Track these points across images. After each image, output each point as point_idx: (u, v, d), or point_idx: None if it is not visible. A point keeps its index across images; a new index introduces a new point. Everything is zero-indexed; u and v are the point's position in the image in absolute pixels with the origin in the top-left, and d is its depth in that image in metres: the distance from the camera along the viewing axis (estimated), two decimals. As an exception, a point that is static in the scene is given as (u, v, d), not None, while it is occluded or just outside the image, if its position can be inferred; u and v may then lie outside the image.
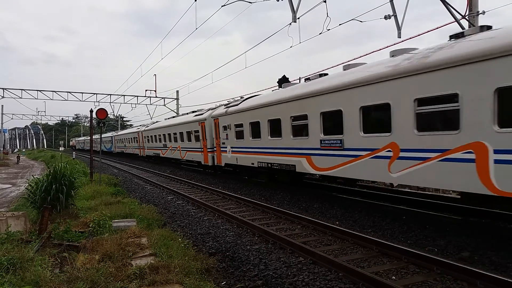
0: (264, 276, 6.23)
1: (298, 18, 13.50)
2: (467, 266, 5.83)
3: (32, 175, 14.69)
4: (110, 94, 43.58)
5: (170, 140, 28.46)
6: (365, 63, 10.79)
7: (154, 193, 16.17)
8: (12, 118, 67.26)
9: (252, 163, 15.72)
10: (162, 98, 44.38)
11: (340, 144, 10.48)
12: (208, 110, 22.13)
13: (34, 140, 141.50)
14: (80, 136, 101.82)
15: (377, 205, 11.18)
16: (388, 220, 9.37)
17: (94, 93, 42.53)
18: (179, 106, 44.21)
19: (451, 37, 8.34)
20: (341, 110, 10.34)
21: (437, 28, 13.68)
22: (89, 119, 21.90)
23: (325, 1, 13.22)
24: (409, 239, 7.95)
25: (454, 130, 7.40)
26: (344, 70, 11.18)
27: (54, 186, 10.76)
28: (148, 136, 35.33)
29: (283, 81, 17.07)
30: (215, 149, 19.92)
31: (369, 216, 9.92)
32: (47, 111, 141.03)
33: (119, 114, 68.92)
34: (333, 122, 10.83)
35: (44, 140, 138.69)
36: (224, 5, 15.25)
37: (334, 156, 10.79)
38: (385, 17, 13.38)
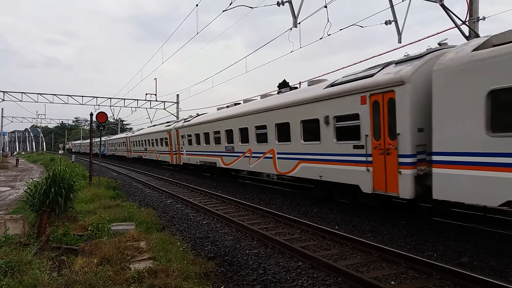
0: (263, 280, 6.22)
1: (299, 23, 13.54)
2: (466, 271, 5.82)
3: (31, 178, 14.67)
4: (111, 98, 43.50)
5: (149, 145, 34.82)
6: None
7: (153, 197, 16.14)
8: (12, 121, 66.95)
9: (197, 162, 22.72)
10: (162, 101, 44.43)
11: (232, 149, 17.66)
12: (175, 122, 29.05)
13: (34, 143, 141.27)
14: (80, 140, 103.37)
15: (376, 209, 11.16)
16: (387, 225, 9.36)
17: (95, 97, 42.44)
18: (179, 109, 44.25)
19: (279, 91, 15.86)
20: (231, 129, 17.64)
21: (438, 33, 13.73)
22: (89, 122, 21.92)
23: (326, 7, 13.28)
24: (408, 244, 7.94)
25: (266, 142, 14.60)
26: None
27: (53, 189, 10.72)
28: (133, 141, 41.51)
29: (283, 85, 17.26)
30: (177, 152, 26.27)
31: (369, 221, 9.91)
32: (47, 114, 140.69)
33: (119, 118, 69.04)
34: (230, 136, 17.88)
35: (44, 143, 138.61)
36: (225, 10, 15.28)
37: (231, 156, 18.03)
38: (386, 23, 13.43)
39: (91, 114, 20.09)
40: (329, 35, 13.80)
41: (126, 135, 46.53)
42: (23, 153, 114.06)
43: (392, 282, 5.93)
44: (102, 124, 19.57)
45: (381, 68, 9.81)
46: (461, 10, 13.04)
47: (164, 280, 5.77)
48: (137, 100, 44.32)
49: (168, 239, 8.39)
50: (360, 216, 10.41)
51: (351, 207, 11.79)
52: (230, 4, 14.69)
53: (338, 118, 10.78)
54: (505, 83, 6.60)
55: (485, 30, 50.97)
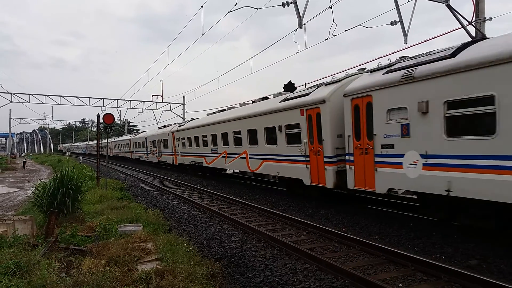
0: (269, 282, 6.21)
1: (304, 24, 13.52)
2: (475, 274, 5.77)
3: (39, 179, 14.80)
4: (117, 99, 43.76)
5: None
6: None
7: (160, 198, 16.20)
8: (20, 123, 67.53)
9: (188, 162, 24.97)
10: (169, 103, 44.61)
11: (216, 151, 20.12)
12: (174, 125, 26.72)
13: (41, 144, 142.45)
14: (71, 143, 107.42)
15: (383, 211, 11.11)
16: (395, 227, 9.30)
17: (101, 98, 42.70)
18: (185, 111, 44.42)
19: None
20: (215, 134, 20.08)
21: (444, 34, 13.67)
22: (95, 123, 22.06)
23: (331, 7, 13.24)
24: (416, 246, 7.89)
25: (240, 145, 17.17)
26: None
27: (60, 190, 10.82)
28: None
29: (289, 87, 17.10)
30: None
31: (376, 222, 9.86)
32: (54, 116, 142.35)
33: (125, 119, 69.35)
34: (215, 140, 20.37)
35: (51, 144, 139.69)
36: (230, 11, 15.30)
37: (213, 157, 20.47)
38: (391, 23, 13.35)
39: (98, 116, 20.21)
40: (335, 35, 13.76)
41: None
42: (31, 154, 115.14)
43: (400, 285, 5.90)
44: (109, 125, 19.69)
45: (315, 88, 12.38)
46: (469, 10, 13.00)
47: (171, 281, 5.79)
48: (144, 101, 44.59)
49: (175, 240, 8.41)
50: (367, 218, 10.36)
51: (358, 209, 11.75)
52: (235, 5, 14.73)
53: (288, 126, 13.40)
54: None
55: (495, 30, 50.35)
